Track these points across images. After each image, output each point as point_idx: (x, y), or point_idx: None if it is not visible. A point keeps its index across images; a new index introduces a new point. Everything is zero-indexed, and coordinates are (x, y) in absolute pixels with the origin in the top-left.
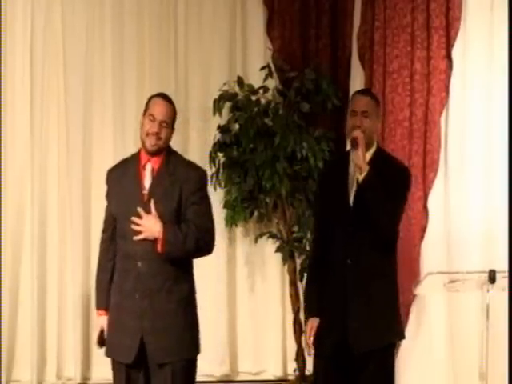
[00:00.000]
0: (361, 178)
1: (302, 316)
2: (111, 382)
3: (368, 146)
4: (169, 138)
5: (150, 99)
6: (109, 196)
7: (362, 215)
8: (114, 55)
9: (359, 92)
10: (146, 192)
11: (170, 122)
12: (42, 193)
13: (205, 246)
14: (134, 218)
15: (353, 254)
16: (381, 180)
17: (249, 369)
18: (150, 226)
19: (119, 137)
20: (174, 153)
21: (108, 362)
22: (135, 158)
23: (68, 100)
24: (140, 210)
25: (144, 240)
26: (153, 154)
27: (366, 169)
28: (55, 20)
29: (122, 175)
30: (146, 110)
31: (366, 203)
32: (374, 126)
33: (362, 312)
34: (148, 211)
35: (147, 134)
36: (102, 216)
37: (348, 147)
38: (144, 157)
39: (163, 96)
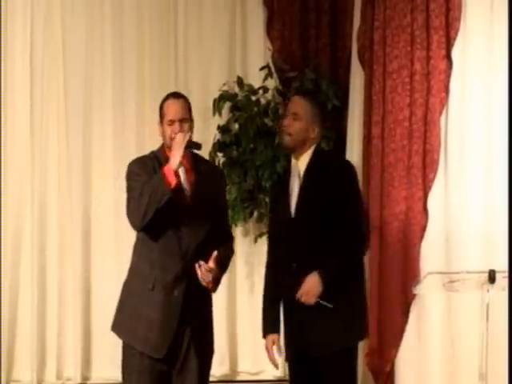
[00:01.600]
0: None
1: None
2: (111, 382)
3: (302, 150)
4: (192, 132)
5: (162, 104)
6: None
7: (303, 224)
8: (113, 55)
9: (296, 94)
10: (188, 194)
11: (188, 117)
12: (42, 193)
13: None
14: None
15: (297, 259)
16: (326, 185)
17: (248, 369)
18: None
19: (119, 137)
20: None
21: (107, 362)
22: (161, 158)
23: (68, 100)
24: None
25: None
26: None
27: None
28: (55, 20)
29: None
30: (162, 117)
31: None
32: (305, 128)
33: (314, 317)
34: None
35: (172, 138)
36: (102, 216)
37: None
38: None
39: (173, 95)
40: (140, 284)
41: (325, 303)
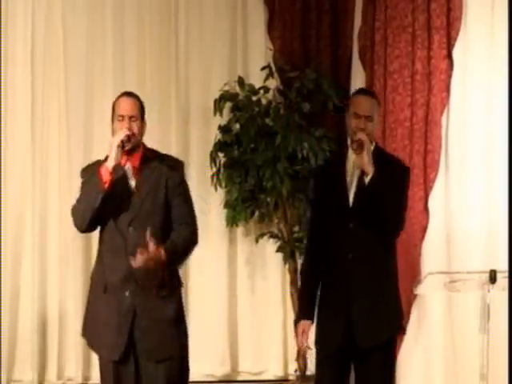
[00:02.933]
0: (367, 180)
1: None
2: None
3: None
4: (142, 133)
5: (114, 103)
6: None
7: (362, 214)
8: (114, 56)
9: (361, 92)
10: (134, 192)
11: (138, 116)
12: (43, 195)
13: (193, 245)
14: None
15: (353, 250)
16: (384, 179)
17: (249, 369)
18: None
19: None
20: (149, 148)
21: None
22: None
23: (69, 100)
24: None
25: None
26: (129, 152)
27: (371, 171)
28: (56, 21)
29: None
30: (113, 114)
31: (374, 204)
32: (375, 127)
33: (365, 307)
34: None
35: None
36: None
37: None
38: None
39: (126, 93)
40: (95, 287)
41: None
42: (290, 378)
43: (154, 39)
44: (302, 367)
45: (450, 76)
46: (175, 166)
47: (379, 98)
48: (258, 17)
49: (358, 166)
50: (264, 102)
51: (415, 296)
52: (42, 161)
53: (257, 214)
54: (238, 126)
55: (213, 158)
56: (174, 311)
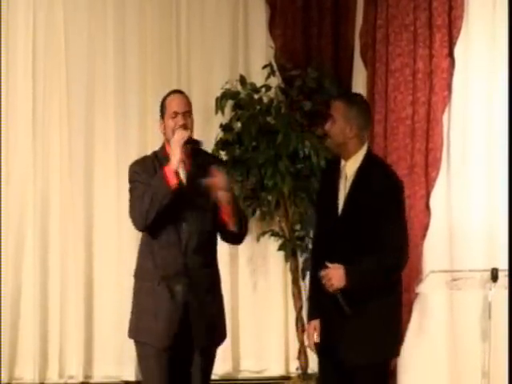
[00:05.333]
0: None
1: (304, 314)
2: (113, 380)
3: (348, 154)
4: (192, 128)
5: (164, 100)
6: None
7: (349, 226)
8: (115, 54)
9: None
10: (186, 188)
11: (191, 111)
12: (44, 194)
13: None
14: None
15: (340, 260)
16: (370, 195)
17: (251, 367)
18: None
19: (121, 138)
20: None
21: (110, 361)
22: (162, 157)
23: (70, 99)
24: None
25: None
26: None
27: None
28: (57, 18)
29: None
30: (164, 112)
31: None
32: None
33: (357, 329)
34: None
35: (173, 131)
36: (104, 216)
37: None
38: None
39: (176, 91)
40: (146, 283)
41: (343, 303)
42: (292, 376)
43: (156, 37)
44: (304, 365)
45: (451, 74)
46: (220, 163)
47: (381, 96)
48: (260, 15)
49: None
50: (265, 100)
51: (417, 294)
52: (43, 160)
53: (258, 212)
54: (239, 124)
55: None
56: (219, 307)
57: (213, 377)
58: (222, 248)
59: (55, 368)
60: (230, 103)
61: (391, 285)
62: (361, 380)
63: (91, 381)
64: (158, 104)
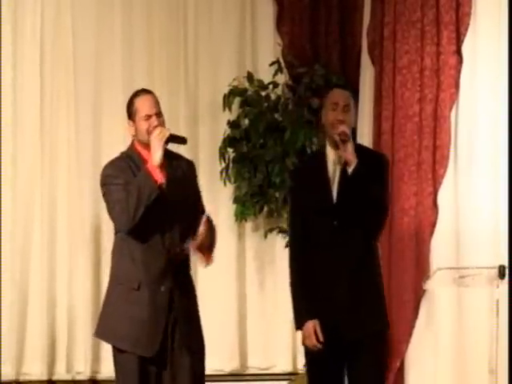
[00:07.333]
0: (350, 169)
1: None
2: None
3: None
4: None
5: (132, 100)
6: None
7: (347, 210)
8: (123, 51)
9: (336, 87)
10: (164, 189)
11: (161, 111)
12: (52, 193)
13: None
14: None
15: (339, 246)
16: (366, 169)
17: (258, 364)
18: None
19: (129, 135)
20: None
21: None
22: (135, 157)
23: (77, 99)
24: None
25: None
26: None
27: (355, 161)
28: (65, 19)
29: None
30: (133, 113)
31: (359, 194)
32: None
33: (350, 301)
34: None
35: (149, 132)
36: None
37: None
38: (146, 154)
39: (143, 91)
40: (124, 285)
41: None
42: (300, 372)
43: (163, 35)
44: None
45: (458, 72)
46: (191, 165)
47: (389, 93)
48: (267, 12)
49: (341, 158)
50: (273, 97)
51: (424, 291)
52: (51, 159)
53: (266, 209)
54: (246, 121)
55: (222, 154)
56: (197, 308)
57: (220, 373)
58: (230, 244)
59: (63, 363)
60: (237, 100)
61: (374, 256)
62: (368, 347)
63: (99, 376)
64: (167, 103)
